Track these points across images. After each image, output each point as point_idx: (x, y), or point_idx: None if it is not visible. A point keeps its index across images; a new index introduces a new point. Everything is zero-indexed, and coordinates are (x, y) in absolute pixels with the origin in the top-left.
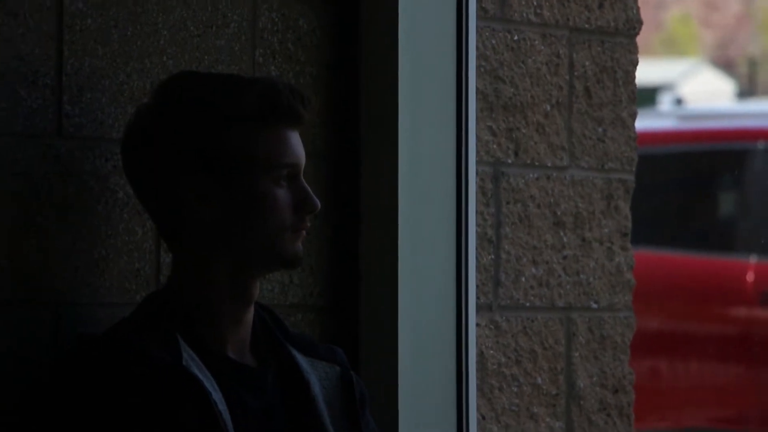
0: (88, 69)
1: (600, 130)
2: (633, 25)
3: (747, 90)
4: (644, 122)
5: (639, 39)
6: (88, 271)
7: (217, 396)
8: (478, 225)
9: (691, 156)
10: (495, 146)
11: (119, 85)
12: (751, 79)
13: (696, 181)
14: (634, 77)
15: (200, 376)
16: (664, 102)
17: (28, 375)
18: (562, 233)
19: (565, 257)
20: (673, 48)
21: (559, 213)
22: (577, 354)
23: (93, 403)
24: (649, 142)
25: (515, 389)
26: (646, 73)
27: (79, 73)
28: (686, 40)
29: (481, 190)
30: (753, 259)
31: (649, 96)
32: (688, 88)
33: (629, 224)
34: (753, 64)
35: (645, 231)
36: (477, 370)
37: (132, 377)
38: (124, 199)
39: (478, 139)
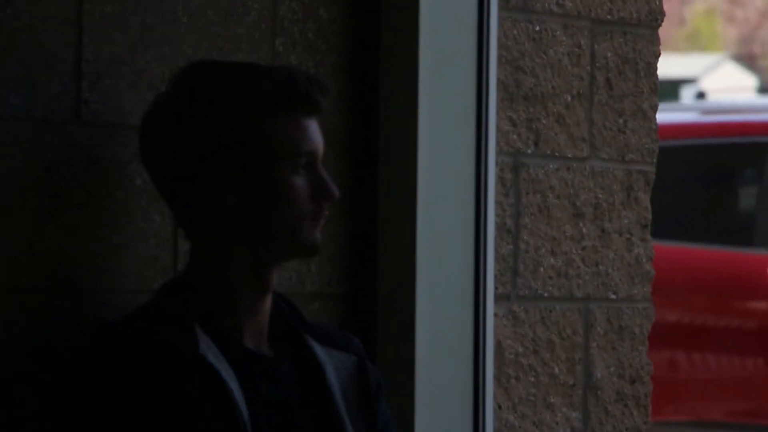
0: (107, 56)
1: (621, 121)
2: (655, 17)
3: None
4: (667, 115)
5: (663, 34)
6: (106, 258)
7: (233, 385)
8: (497, 215)
9: (712, 149)
10: (515, 136)
11: (138, 72)
12: None
13: (717, 175)
14: (656, 69)
15: (217, 364)
16: (687, 96)
17: (47, 362)
18: (581, 224)
19: (584, 248)
20: (696, 43)
21: (578, 204)
22: (595, 344)
23: (110, 390)
24: (672, 136)
25: (532, 379)
26: (670, 67)
27: (98, 60)
28: (709, 35)
29: (501, 180)
30: None
31: (672, 90)
32: (710, 83)
33: (649, 215)
34: None
35: (666, 224)
36: (494, 360)
37: (149, 365)
38: (143, 186)
39: (499, 129)
